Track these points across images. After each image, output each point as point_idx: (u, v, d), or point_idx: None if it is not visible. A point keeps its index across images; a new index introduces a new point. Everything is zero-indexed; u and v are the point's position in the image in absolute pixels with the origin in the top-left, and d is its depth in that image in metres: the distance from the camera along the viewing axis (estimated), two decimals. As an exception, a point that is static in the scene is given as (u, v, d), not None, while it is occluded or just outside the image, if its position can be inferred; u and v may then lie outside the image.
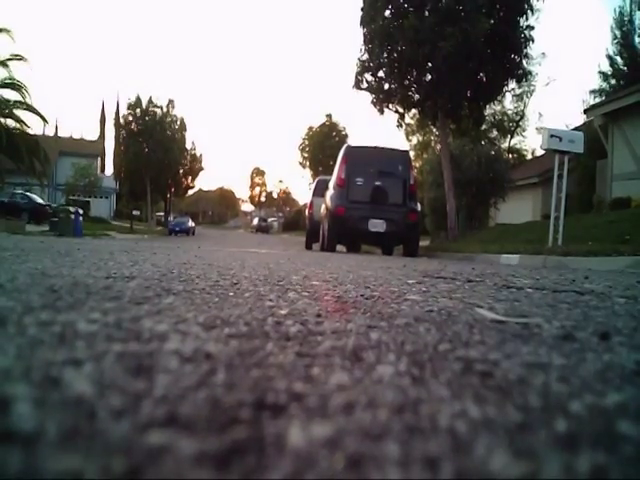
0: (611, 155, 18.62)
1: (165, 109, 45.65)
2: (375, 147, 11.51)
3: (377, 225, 10.41)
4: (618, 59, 22.94)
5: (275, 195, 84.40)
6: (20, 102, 25.23)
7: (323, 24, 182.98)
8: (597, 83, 23.74)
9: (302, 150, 45.16)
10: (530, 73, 13.31)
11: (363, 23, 12.33)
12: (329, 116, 39.22)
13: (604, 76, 23.32)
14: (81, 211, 24.05)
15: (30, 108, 25.98)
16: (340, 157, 11.12)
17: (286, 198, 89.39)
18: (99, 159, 59.07)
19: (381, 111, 13.27)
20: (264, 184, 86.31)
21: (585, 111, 19.52)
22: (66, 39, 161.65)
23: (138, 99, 42.43)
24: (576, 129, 34.43)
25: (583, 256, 6.81)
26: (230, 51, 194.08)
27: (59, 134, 77.66)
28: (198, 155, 49.95)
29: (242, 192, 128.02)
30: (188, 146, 50.55)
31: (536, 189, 27.58)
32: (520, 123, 34.06)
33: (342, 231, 10.80)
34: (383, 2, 11.57)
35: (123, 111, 43.20)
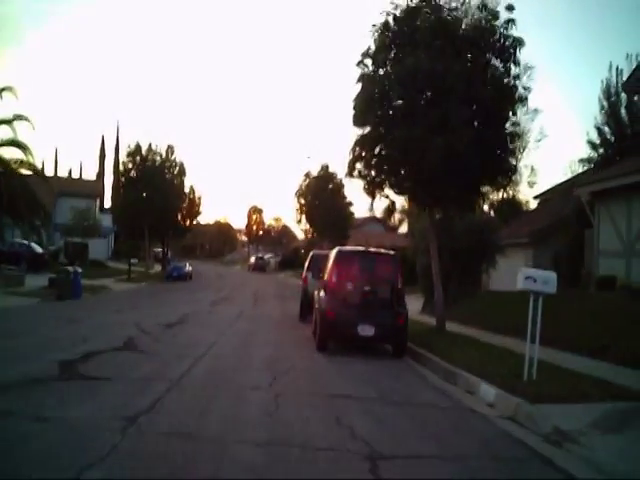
0: (597, 231, 19.13)
1: (164, 154, 46.43)
2: (365, 251, 12.02)
3: (366, 329, 10.85)
4: (606, 129, 23.69)
5: (273, 232, 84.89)
6: (22, 162, 25.78)
7: (321, 67, 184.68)
8: (586, 152, 24.45)
9: (299, 196, 45.80)
10: (516, 168, 13.73)
11: (356, 124, 12.88)
12: (325, 168, 39.92)
13: (592, 145, 24.05)
14: (80, 270, 24.36)
15: (33, 169, 26.53)
16: (331, 261, 11.59)
17: (283, 231, 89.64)
18: (98, 200, 59.63)
19: (372, 196, 13.66)
20: (261, 222, 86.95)
21: (572, 188, 20.15)
22: (65, 71, 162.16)
23: (138, 146, 43.15)
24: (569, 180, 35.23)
25: (554, 402, 7.22)
26: (231, 92, 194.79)
27: (58, 172, 78.86)
28: (197, 199, 50.61)
29: (239, 222, 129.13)
30: (187, 189, 51.20)
31: (527, 249, 28.04)
32: (513, 178, 34.49)
33: (333, 333, 11.19)
34: (372, 112, 12.16)
35: (122, 156, 44.07)
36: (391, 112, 12.00)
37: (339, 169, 40.73)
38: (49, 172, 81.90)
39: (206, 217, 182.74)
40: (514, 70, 12.63)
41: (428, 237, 15.21)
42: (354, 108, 12.25)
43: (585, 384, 8.01)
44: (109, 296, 25.04)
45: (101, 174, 75.85)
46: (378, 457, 4.98)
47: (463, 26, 12.26)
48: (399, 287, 11.33)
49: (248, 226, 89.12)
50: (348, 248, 12.01)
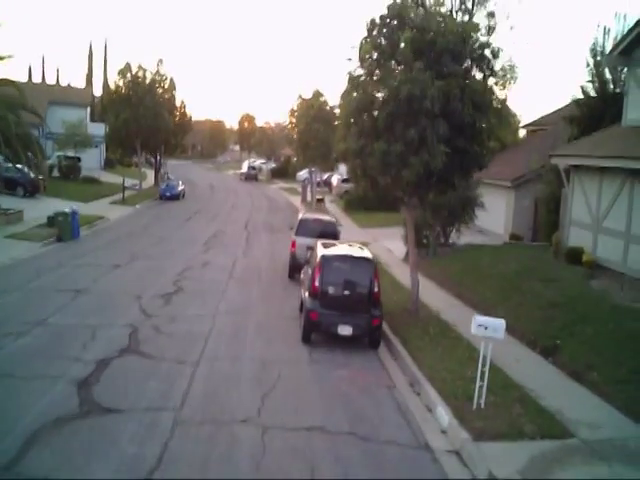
0: (571, 200, 20.12)
1: (155, 69, 45.87)
2: (346, 256, 13.10)
3: (345, 329, 12.24)
4: (590, 87, 24.04)
5: (264, 140, 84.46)
6: (15, 98, 26.00)
7: None
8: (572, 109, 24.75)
9: (291, 115, 45.88)
10: (489, 160, 14.53)
11: (338, 142, 13.78)
12: (318, 94, 39.59)
13: (577, 103, 24.45)
14: (76, 208, 25.25)
15: (25, 107, 26.75)
16: (315, 266, 12.70)
17: (276, 138, 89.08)
18: (88, 108, 59.14)
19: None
20: (254, 129, 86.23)
21: (550, 156, 20.89)
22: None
23: (127, 65, 42.58)
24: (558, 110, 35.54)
25: (495, 439, 8.64)
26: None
27: (46, 78, 77.23)
28: (187, 113, 50.49)
29: (232, 122, 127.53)
30: (177, 103, 50.94)
31: (509, 191, 29.07)
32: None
33: (315, 330, 12.54)
34: (355, 129, 12.88)
35: (112, 75, 43.47)
36: (372, 125, 12.64)
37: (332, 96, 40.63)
38: (37, 77, 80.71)
39: (199, 114, 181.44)
40: (492, 80, 13.29)
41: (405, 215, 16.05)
42: (338, 119, 12.94)
43: (529, 415, 9.35)
44: (106, 236, 26.03)
45: (90, 81, 74.56)
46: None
47: (442, 40, 12.68)
48: (375, 290, 12.54)
49: (240, 132, 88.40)
50: (331, 253, 12.96)
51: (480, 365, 9.30)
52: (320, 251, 13.19)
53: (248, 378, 10.50)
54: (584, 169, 19.00)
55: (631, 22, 27.95)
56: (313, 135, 36.08)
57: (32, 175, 35.16)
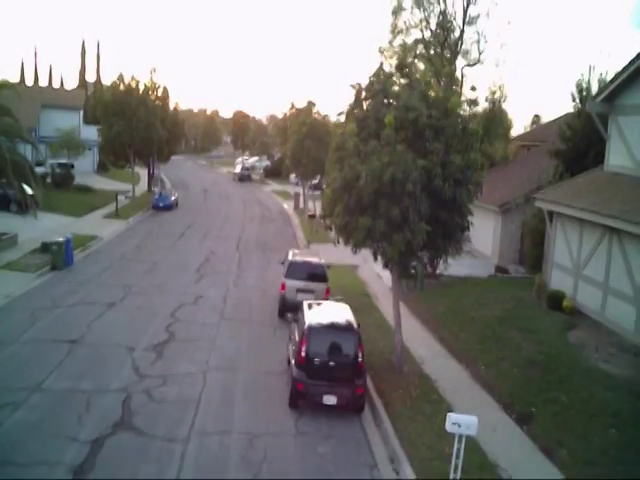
0: (553, 243, 20.64)
1: (148, 79, 46.07)
2: (332, 326, 13.61)
3: (330, 399, 12.78)
4: (576, 123, 24.49)
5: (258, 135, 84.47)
6: (12, 127, 26.25)
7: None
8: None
9: (283, 121, 46.28)
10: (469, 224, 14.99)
11: (324, 215, 14.44)
12: (311, 104, 39.85)
13: (562, 137, 24.89)
14: (70, 237, 25.64)
15: (22, 136, 27.01)
16: (302, 336, 13.20)
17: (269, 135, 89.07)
18: (81, 112, 59.15)
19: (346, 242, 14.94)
20: (247, 129, 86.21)
21: (534, 200, 21.41)
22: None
23: (120, 76, 42.72)
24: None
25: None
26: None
27: (39, 75, 76.96)
28: (180, 122, 50.64)
29: (226, 112, 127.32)
30: (171, 108, 51.09)
31: (497, 215, 29.60)
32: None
33: (301, 399, 13.08)
34: (340, 207, 13.36)
35: (105, 86, 43.54)
36: (357, 201, 13.11)
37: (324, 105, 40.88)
38: (29, 76, 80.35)
39: (194, 104, 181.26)
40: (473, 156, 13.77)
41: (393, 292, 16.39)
42: (323, 198, 13.43)
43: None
44: (99, 261, 26.43)
45: (83, 80, 74.40)
46: None
47: (425, 120, 13.13)
48: (359, 361, 13.07)
49: (234, 129, 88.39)
50: (317, 323, 13.45)
51: (454, 458, 9.82)
52: (307, 317, 13.69)
53: (235, 460, 11.02)
54: (566, 216, 19.52)
55: (615, 60, 28.06)
56: (305, 152, 36.43)
57: (27, 191, 35.38)
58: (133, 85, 43.24)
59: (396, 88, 13.84)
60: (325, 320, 13.76)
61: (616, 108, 19.59)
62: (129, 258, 27.51)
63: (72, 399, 12.81)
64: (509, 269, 26.23)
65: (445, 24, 37.32)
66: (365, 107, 13.96)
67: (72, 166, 48.69)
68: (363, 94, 14.18)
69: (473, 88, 14.35)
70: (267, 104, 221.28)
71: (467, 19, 36.72)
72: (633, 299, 16.25)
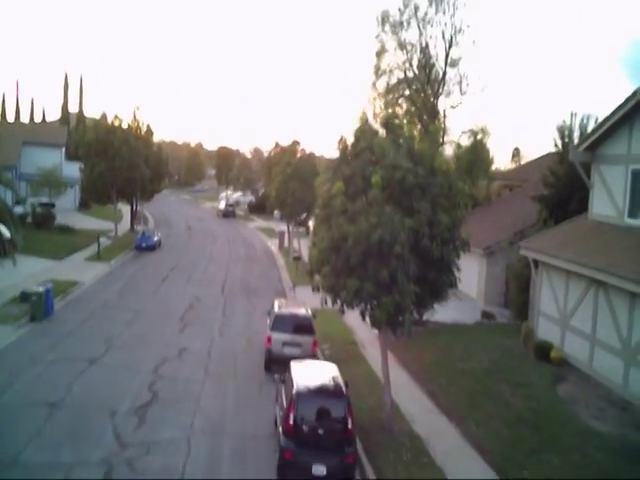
0: (539, 291, 20.63)
1: (131, 117, 46.08)
2: (321, 391, 13.31)
3: (319, 469, 12.39)
4: (559, 169, 24.71)
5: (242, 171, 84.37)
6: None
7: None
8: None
9: (268, 160, 46.38)
10: (457, 281, 14.89)
11: (312, 272, 14.31)
12: (296, 143, 39.94)
13: (545, 183, 25.09)
14: (50, 286, 25.19)
15: (1, 181, 26.70)
16: (290, 402, 12.88)
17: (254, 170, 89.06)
18: (63, 148, 58.91)
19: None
20: (231, 163, 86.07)
21: (518, 248, 21.45)
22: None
23: (104, 115, 42.71)
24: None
25: None
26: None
27: (20, 108, 76.66)
28: (164, 160, 50.56)
29: (211, 145, 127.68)
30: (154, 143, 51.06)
31: (482, 258, 29.60)
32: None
33: (291, 469, 12.67)
34: (328, 268, 13.21)
35: (87, 126, 43.43)
36: (345, 261, 12.95)
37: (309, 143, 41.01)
38: (11, 110, 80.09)
39: (177, 136, 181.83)
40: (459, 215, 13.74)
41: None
42: (310, 260, 13.26)
43: None
44: (80, 310, 25.93)
45: (66, 114, 74.28)
46: None
47: (412, 178, 13.08)
48: (349, 427, 12.75)
49: (218, 165, 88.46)
50: (305, 388, 13.14)
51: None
52: (294, 381, 13.37)
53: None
54: (552, 265, 19.50)
55: (597, 107, 28.67)
56: (290, 193, 36.40)
57: (6, 236, 34.85)
58: (116, 124, 43.07)
59: (381, 143, 13.73)
60: (313, 384, 13.44)
61: (599, 157, 19.79)
62: (111, 306, 27.04)
63: (51, 474, 12.31)
64: (495, 314, 26.11)
65: (427, 66, 37.79)
66: (351, 164, 13.85)
67: (53, 205, 48.31)
68: (348, 150, 14.12)
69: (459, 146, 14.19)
70: (252, 136, 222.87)
71: (449, 61, 37.22)
72: (621, 352, 16.17)
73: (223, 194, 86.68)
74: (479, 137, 35.68)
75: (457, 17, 36.21)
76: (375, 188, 12.73)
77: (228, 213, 71.34)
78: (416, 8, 36.56)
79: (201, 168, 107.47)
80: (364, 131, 14.17)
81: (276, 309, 20.32)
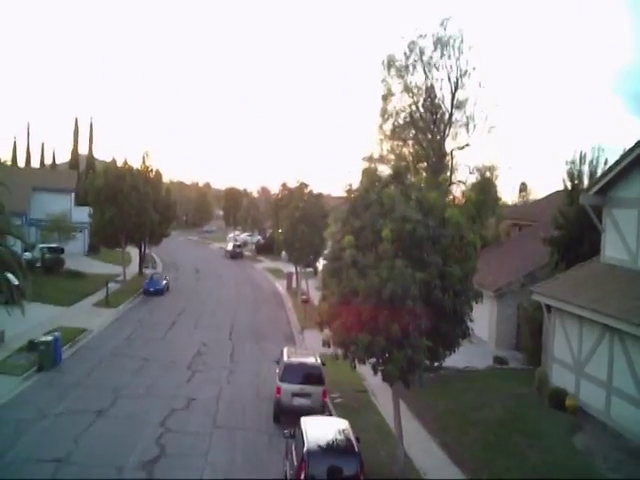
0: (552, 337, 20.30)
1: (140, 162, 46.61)
2: (332, 448, 12.99)
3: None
4: (569, 211, 24.59)
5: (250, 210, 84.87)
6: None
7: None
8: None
9: (275, 202, 46.58)
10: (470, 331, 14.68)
11: (321, 327, 14.24)
12: (303, 185, 40.16)
13: (556, 224, 24.94)
14: (58, 335, 25.08)
15: (10, 233, 26.79)
16: (301, 460, 12.57)
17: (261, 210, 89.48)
18: (72, 194, 59.50)
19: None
20: (239, 204, 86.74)
21: (530, 292, 21.21)
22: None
23: (113, 160, 43.18)
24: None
25: None
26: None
27: (31, 152, 77.86)
28: (172, 204, 50.96)
29: (218, 184, 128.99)
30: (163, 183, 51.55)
31: (492, 300, 29.31)
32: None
33: None
34: (339, 323, 13.07)
35: (97, 171, 43.93)
36: (356, 316, 12.79)
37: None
38: (21, 153, 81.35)
39: (185, 175, 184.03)
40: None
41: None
42: (320, 313, 13.16)
43: None
44: (88, 359, 25.74)
45: (76, 159, 75.35)
46: None
47: (422, 230, 13.00)
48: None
49: (226, 206, 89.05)
50: (316, 446, 12.82)
51: None
52: (305, 438, 13.06)
53: None
54: (565, 311, 19.22)
55: (606, 150, 29.03)
56: (298, 237, 36.39)
57: (15, 283, 34.94)
58: (125, 169, 43.52)
59: (391, 194, 13.69)
60: (324, 442, 13.13)
61: (610, 200, 19.67)
62: (119, 354, 26.81)
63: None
64: (507, 358, 25.73)
65: (434, 108, 38.10)
66: (361, 217, 13.80)
67: (62, 250, 48.43)
68: (358, 202, 14.10)
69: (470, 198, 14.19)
70: (259, 175, 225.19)
71: (455, 103, 37.52)
72: (639, 401, 15.77)
73: (231, 235, 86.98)
74: (487, 175, 35.66)
75: (462, 60, 36.59)
76: (385, 242, 12.64)
77: (235, 254, 71.38)
78: (421, 52, 37.01)
79: (209, 209, 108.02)
80: (373, 182, 14.16)
81: (285, 358, 20.03)
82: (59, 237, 48.80)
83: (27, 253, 43.79)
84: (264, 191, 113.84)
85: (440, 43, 36.59)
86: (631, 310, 15.86)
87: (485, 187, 37.45)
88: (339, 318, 12.99)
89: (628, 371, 16.24)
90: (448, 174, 36.79)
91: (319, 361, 20.06)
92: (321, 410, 18.75)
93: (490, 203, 38.38)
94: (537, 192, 73.66)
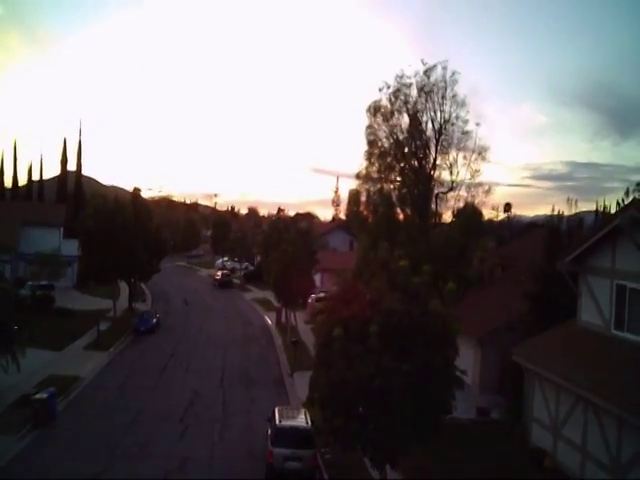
0: (532, 398, 21.17)
1: (130, 199, 47.29)
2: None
3: None
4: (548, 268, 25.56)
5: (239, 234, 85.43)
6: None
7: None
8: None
9: (263, 238, 47.45)
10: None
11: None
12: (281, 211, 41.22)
13: (535, 279, 25.91)
14: (52, 391, 25.50)
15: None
16: None
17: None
18: (62, 228, 60.06)
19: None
20: (228, 233, 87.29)
21: (511, 353, 22.14)
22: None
23: (104, 199, 43.82)
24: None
25: None
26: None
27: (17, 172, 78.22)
28: (162, 239, 51.72)
29: (205, 200, 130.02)
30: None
31: (476, 346, 30.18)
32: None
33: None
34: (330, 411, 13.88)
35: (87, 212, 44.50)
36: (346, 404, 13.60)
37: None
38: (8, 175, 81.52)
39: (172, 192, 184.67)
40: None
41: None
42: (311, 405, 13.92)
43: None
44: (82, 413, 26.21)
45: (64, 183, 76.13)
46: None
47: (407, 321, 13.87)
48: None
49: (214, 236, 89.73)
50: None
51: None
52: None
53: None
54: (542, 375, 20.12)
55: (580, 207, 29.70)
56: (287, 281, 37.13)
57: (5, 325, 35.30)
58: (116, 208, 44.15)
59: (378, 286, 14.54)
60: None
61: (585, 268, 20.65)
62: (111, 407, 27.19)
63: None
64: (490, 407, 26.52)
65: (419, 152, 39.17)
66: (350, 307, 14.61)
67: (53, 287, 48.82)
68: (346, 293, 14.95)
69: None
70: (248, 195, 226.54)
71: (439, 148, 38.62)
72: (610, 469, 16.62)
73: (219, 261, 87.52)
74: (471, 214, 36.76)
75: (446, 109, 37.77)
76: (373, 337, 13.46)
77: (224, 284, 72.08)
78: (406, 100, 38.14)
79: (197, 235, 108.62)
80: (361, 273, 15.02)
81: (277, 419, 20.67)
82: (49, 275, 49.15)
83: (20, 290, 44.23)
84: (252, 212, 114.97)
85: (423, 91, 37.76)
86: (603, 382, 16.77)
87: (470, 226, 38.61)
88: (330, 408, 13.77)
89: (601, 439, 17.12)
90: (433, 220, 37.87)
91: (309, 422, 20.74)
92: (313, 473, 19.46)
93: (475, 240, 39.65)
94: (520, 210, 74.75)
